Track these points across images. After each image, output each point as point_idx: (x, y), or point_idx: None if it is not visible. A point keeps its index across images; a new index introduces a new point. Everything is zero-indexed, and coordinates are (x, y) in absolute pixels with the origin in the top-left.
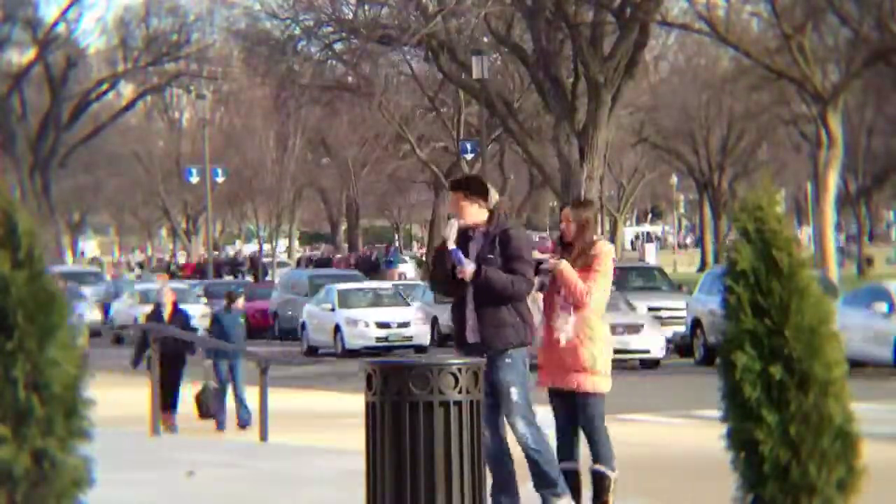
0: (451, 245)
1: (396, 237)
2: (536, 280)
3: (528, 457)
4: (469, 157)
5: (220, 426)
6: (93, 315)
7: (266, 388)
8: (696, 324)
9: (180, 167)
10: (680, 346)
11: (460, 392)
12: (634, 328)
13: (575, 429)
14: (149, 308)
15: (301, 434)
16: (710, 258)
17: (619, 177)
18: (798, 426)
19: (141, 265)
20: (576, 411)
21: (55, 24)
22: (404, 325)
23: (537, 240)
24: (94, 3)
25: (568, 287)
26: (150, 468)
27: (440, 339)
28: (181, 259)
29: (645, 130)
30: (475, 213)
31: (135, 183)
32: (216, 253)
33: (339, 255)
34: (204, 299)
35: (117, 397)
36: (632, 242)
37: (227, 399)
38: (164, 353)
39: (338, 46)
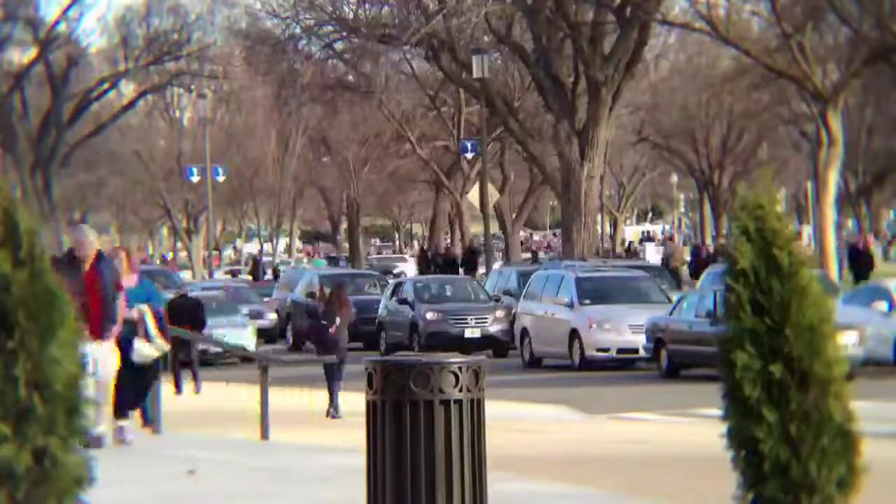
0: None
1: (397, 236)
2: None
3: None
4: (469, 156)
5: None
6: None
7: (266, 387)
8: None
9: (181, 166)
10: None
11: (461, 391)
12: None
13: None
14: None
15: (302, 433)
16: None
17: (619, 176)
18: (798, 425)
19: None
20: None
21: (56, 23)
22: None
23: (537, 239)
24: (95, 2)
25: None
26: (151, 466)
27: None
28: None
29: (645, 129)
30: None
31: (136, 182)
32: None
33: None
34: None
35: None
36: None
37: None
38: None
39: (338, 45)
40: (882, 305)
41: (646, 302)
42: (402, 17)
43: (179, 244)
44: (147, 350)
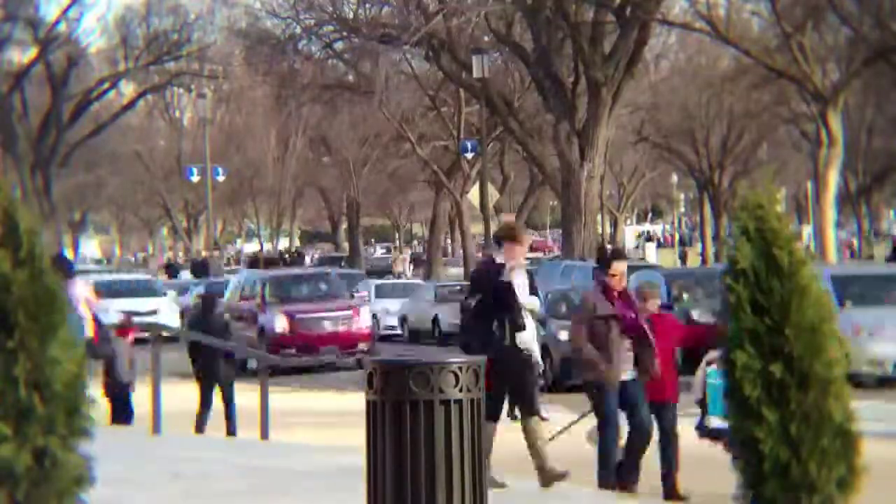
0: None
1: (398, 235)
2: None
3: None
4: (469, 155)
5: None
6: None
7: (266, 387)
8: None
9: (181, 166)
10: None
11: (461, 391)
12: None
13: None
14: None
15: (302, 433)
16: (710, 257)
17: (619, 176)
18: (798, 425)
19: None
20: None
21: (56, 23)
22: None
23: (537, 239)
24: (95, 2)
25: None
26: (151, 466)
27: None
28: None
29: (645, 129)
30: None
31: (136, 182)
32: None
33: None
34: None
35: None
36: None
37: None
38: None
39: (338, 45)
40: None
41: None
42: (402, 17)
43: (179, 244)
44: None
